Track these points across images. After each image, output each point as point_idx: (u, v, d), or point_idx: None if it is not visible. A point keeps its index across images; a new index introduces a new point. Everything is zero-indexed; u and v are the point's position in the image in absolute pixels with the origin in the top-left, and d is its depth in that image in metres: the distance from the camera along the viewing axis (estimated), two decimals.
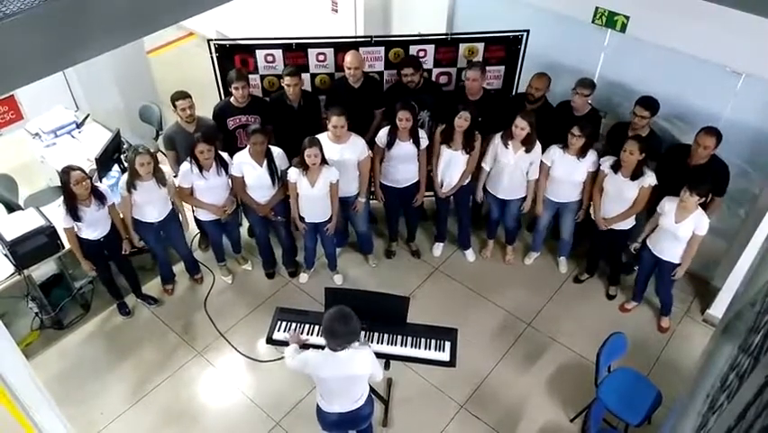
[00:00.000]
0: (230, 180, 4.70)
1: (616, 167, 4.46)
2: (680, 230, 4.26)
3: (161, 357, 4.76)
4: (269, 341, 4.06)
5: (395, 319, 4.00)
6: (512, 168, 4.76)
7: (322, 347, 3.33)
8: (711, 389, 1.83)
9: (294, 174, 4.52)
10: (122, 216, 4.62)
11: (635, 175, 4.38)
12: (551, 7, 4.90)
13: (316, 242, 5.13)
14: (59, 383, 4.49)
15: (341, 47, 4.98)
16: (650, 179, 4.39)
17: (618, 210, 4.61)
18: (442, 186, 5.01)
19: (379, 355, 3.54)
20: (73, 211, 4.24)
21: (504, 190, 4.95)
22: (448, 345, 3.96)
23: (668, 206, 4.30)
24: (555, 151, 4.68)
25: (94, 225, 4.40)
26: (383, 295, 4.08)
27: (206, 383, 4.63)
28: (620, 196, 4.53)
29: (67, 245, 4.54)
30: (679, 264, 4.46)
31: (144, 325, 5.01)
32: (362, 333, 3.88)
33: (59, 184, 5.48)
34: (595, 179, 4.69)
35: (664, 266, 4.54)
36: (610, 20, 4.60)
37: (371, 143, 4.81)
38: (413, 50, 5.04)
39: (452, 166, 4.87)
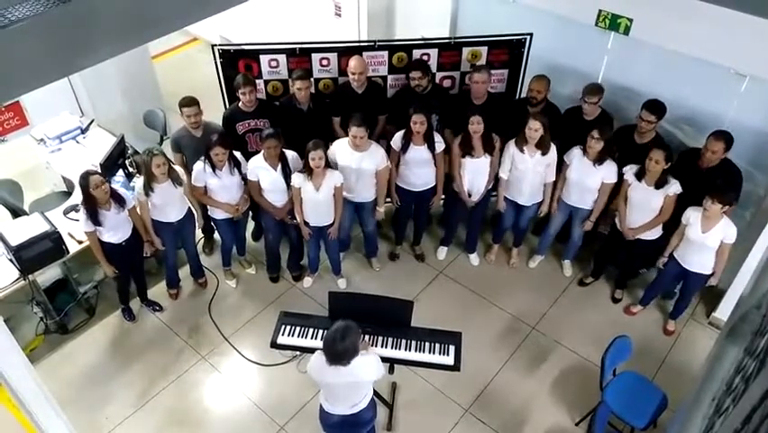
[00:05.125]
0: (242, 179, 4.70)
1: (639, 175, 4.42)
2: (707, 240, 4.20)
3: (166, 361, 4.76)
4: (274, 345, 4.06)
5: (399, 323, 3.99)
6: (531, 173, 4.74)
7: None
8: (717, 392, 1.83)
9: (298, 179, 4.51)
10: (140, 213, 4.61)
11: (660, 183, 4.34)
12: (554, 10, 4.90)
13: (320, 249, 5.13)
14: (64, 388, 4.49)
15: (344, 51, 4.99)
16: (674, 187, 4.33)
17: (645, 219, 4.55)
18: (470, 196, 4.98)
19: (383, 359, 3.54)
20: (93, 215, 4.25)
21: (524, 196, 4.92)
22: (452, 348, 3.95)
23: (692, 216, 4.24)
24: (576, 152, 4.65)
25: (115, 229, 4.41)
26: (387, 299, 4.07)
27: (211, 388, 4.63)
28: (646, 205, 4.47)
29: (71, 250, 4.56)
30: (711, 274, 4.41)
31: (149, 329, 5.01)
32: (366, 336, 3.89)
33: (65, 189, 5.50)
34: (612, 191, 4.66)
35: (693, 278, 4.50)
36: (613, 23, 4.60)
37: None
38: (416, 54, 5.06)
39: (479, 174, 4.85)
